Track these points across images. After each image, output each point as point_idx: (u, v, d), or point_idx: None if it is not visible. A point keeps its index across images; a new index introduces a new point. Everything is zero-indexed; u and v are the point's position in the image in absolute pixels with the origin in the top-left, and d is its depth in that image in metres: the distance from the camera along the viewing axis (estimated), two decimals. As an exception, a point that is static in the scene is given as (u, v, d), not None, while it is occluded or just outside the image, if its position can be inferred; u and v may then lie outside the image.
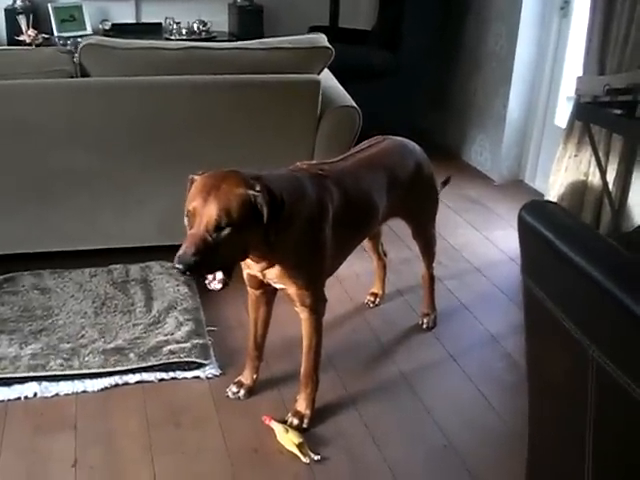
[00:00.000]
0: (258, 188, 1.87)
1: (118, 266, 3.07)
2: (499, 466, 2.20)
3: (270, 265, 2.09)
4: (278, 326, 2.56)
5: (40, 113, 2.80)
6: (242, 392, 2.43)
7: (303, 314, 2.22)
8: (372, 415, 2.38)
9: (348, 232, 2.30)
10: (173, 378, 2.49)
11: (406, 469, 2.18)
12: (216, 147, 3.01)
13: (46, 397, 2.38)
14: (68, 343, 2.55)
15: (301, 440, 2.20)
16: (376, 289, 3.05)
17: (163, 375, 2.48)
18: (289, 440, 2.21)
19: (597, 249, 0.97)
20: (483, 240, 3.69)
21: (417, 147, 2.64)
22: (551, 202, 1.19)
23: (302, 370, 2.31)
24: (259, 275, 2.17)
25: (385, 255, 3.04)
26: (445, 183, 2.97)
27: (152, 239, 3.15)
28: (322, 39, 3.13)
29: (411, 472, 2.18)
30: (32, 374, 2.39)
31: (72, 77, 2.83)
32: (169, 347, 2.53)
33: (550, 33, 4.10)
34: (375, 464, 2.19)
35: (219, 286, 1.95)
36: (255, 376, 2.46)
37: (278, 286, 2.19)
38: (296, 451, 2.18)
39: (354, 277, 3.19)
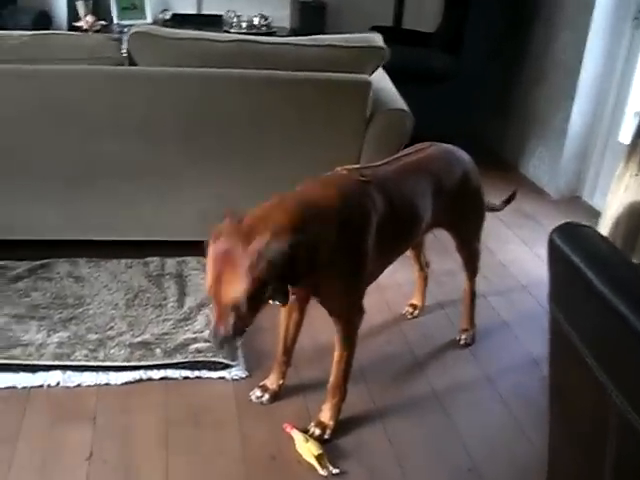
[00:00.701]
0: (272, 253, 1.74)
1: (155, 259, 3.04)
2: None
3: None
4: (310, 331, 2.51)
5: (85, 99, 2.79)
6: (266, 397, 2.36)
7: (338, 325, 2.14)
8: (397, 431, 2.29)
9: (390, 241, 2.20)
10: (198, 377, 2.44)
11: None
12: (261, 143, 2.95)
13: (68, 387, 2.35)
14: (96, 334, 2.52)
15: (321, 451, 2.13)
16: (416, 300, 2.95)
17: (188, 373, 2.43)
18: (308, 450, 2.13)
19: (627, 280, 0.86)
20: (533, 257, 3.54)
21: (466, 155, 2.53)
22: (587, 226, 1.09)
23: (331, 380, 2.22)
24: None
25: (427, 266, 2.94)
26: (509, 201, 2.86)
27: (191, 234, 3.06)
28: (377, 39, 3.03)
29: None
30: (57, 362, 2.37)
31: (119, 65, 2.80)
32: (196, 345, 2.48)
33: (620, 45, 3.92)
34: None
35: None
36: (281, 381, 2.39)
37: (313, 295, 2.13)
38: (314, 462, 2.10)
39: (395, 286, 3.09)
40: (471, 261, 2.69)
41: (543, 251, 3.54)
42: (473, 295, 2.76)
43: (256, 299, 1.79)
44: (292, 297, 2.21)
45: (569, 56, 4.10)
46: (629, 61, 3.90)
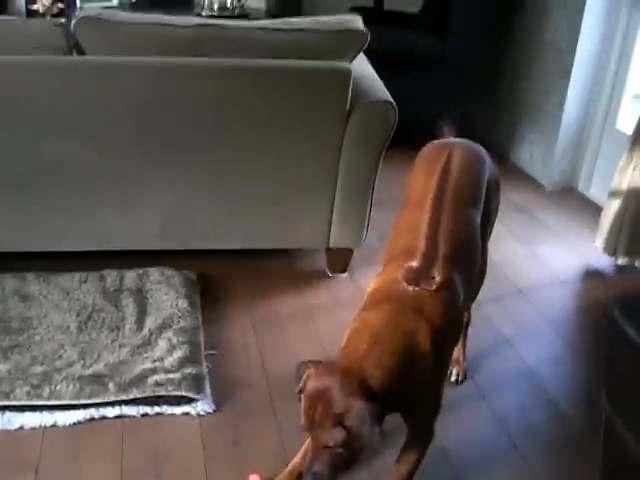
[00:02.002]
0: (353, 413, 1.52)
1: (112, 271, 2.71)
2: None
3: None
4: (288, 357, 2.20)
5: (27, 95, 2.45)
6: None
7: (412, 455, 1.83)
8: (381, 461, 2.00)
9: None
10: (158, 413, 2.14)
11: None
12: (229, 140, 2.63)
13: (8, 430, 2.05)
14: (41, 365, 2.21)
15: None
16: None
17: (147, 410, 2.13)
18: None
19: None
20: (529, 256, 3.26)
21: (483, 150, 2.18)
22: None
23: None
24: None
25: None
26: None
27: (152, 242, 2.79)
28: (356, 21, 2.71)
29: None
30: (-7, 403, 2.06)
31: (65, 54, 2.46)
32: (155, 377, 2.17)
33: (618, 24, 3.63)
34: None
35: None
36: None
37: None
38: None
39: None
40: (481, 272, 2.30)
41: (539, 249, 3.32)
42: (469, 321, 2.43)
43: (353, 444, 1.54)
44: None
45: (563, 36, 3.80)
46: (627, 40, 3.62)
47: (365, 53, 2.92)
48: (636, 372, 0.74)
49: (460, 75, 4.14)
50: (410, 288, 1.71)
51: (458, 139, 2.21)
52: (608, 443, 0.84)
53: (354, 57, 2.71)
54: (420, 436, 1.83)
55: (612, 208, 3.14)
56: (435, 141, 2.22)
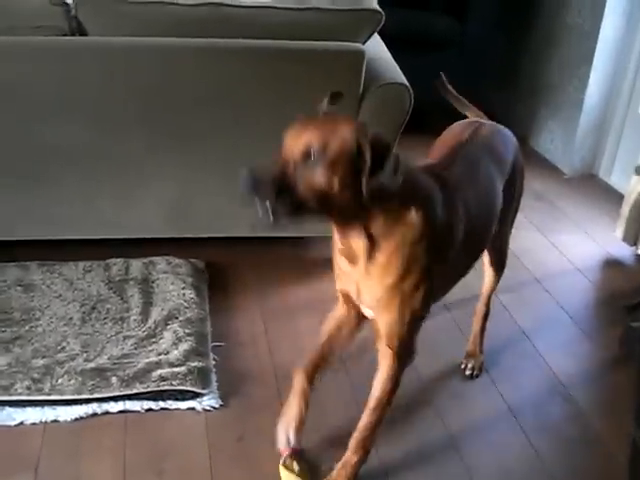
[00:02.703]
0: (372, 134, 1.51)
1: (117, 260, 2.63)
2: None
3: (366, 274, 1.66)
4: (298, 346, 2.13)
5: (25, 78, 2.36)
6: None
7: (385, 359, 1.75)
8: (396, 464, 1.93)
9: (464, 259, 1.86)
10: (163, 409, 2.06)
11: None
12: (235, 125, 2.55)
13: (9, 426, 1.98)
14: (43, 358, 2.14)
15: None
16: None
17: (151, 405, 2.05)
18: None
19: None
20: (547, 245, 3.16)
21: (510, 133, 2.13)
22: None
23: (358, 429, 1.80)
24: (353, 293, 1.75)
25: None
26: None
27: (158, 230, 2.71)
28: (371, 1, 2.61)
29: None
30: (-8, 398, 1.99)
31: (66, 35, 2.37)
32: (160, 372, 2.09)
33: (643, 4, 3.49)
34: None
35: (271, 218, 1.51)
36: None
37: (368, 313, 1.76)
38: None
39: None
40: (503, 258, 2.28)
41: (558, 238, 3.21)
42: (488, 312, 2.35)
43: (317, 174, 1.49)
44: (344, 308, 1.88)
45: (585, 18, 3.66)
46: (653, 23, 3.49)
47: (379, 34, 2.82)
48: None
49: (478, 59, 4.04)
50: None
51: (486, 121, 2.14)
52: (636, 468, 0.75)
53: (368, 38, 2.61)
54: (388, 363, 1.75)
55: (633, 196, 3.03)
56: (462, 121, 2.15)
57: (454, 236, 1.72)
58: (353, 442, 1.81)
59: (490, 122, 2.12)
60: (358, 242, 1.62)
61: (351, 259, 1.67)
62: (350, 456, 1.81)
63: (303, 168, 1.49)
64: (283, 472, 1.84)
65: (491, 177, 1.92)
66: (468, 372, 2.30)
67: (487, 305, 2.34)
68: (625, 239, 3.08)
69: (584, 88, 3.68)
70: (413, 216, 1.60)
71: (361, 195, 1.49)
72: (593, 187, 3.75)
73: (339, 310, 1.90)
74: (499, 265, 2.28)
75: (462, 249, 1.76)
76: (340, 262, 1.73)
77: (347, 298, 1.82)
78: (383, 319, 1.71)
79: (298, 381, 1.88)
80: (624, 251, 3.10)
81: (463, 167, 1.86)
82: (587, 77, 3.65)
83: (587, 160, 3.85)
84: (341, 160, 1.48)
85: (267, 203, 1.49)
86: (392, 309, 1.68)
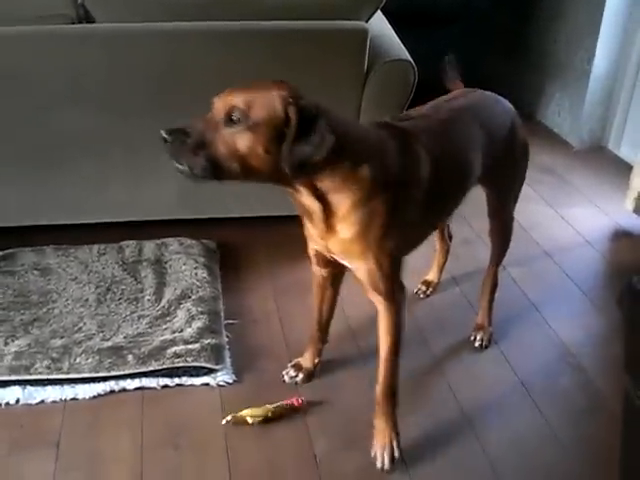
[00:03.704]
0: (303, 101, 1.51)
1: (131, 242, 2.68)
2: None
3: (329, 231, 1.68)
4: (297, 322, 2.20)
5: (36, 66, 2.41)
6: (300, 376, 2.13)
7: (379, 305, 1.79)
8: (410, 438, 1.96)
9: (435, 205, 1.84)
10: (178, 385, 2.12)
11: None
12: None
13: (30, 404, 2.04)
14: (61, 338, 2.20)
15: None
16: (431, 276, 2.60)
17: (167, 381, 2.11)
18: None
19: None
20: (556, 218, 3.17)
21: (511, 106, 2.15)
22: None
23: (379, 384, 1.85)
24: (323, 250, 1.79)
25: (450, 239, 2.59)
26: None
27: (170, 212, 2.76)
28: (373, -22, 2.63)
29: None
30: (14, 377, 2.05)
31: (74, 23, 2.41)
32: (174, 349, 2.14)
33: (648, -25, 3.48)
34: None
35: (185, 169, 1.53)
36: (317, 360, 2.15)
37: (345, 263, 1.78)
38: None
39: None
40: (504, 231, 2.28)
41: (567, 211, 3.22)
42: (496, 284, 2.37)
43: (239, 135, 1.50)
44: (323, 271, 1.97)
45: (591, -13, 3.65)
46: (658, -8, 3.47)
47: (382, 11, 2.84)
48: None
49: (483, 34, 4.02)
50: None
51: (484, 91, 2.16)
52: (628, 416, 0.79)
53: (371, 15, 2.62)
54: (383, 309, 1.79)
55: (642, 167, 3.03)
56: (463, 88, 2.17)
57: (415, 180, 1.71)
58: (380, 397, 1.86)
59: (486, 91, 2.12)
60: (310, 202, 1.63)
61: (309, 218, 1.69)
62: (383, 409, 1.87)
63: (225, 129, 1.49)
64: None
65: (468, 136, 1.93)
66: (477, 344, 2.33)
67: (493, 277, 2.36)
68: (635, 210, 3.09)
69: (591, 59, 3.67)
70: (362, 172, 1.59)
71: (284, 157, 1.48)
72: (602, 159, 3.75)
73: (314, 270, 1.99)
74: (503, 237, 2.29)
75: (429, 196, 1.74)
76: (305, 221, 1.77)
77: (319, 255, 1.87)
78: (360, 270, 1.73)
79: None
80: (634, 223, 3.11)
81: (432, 120, 1.87)
82: (594, 48, 3.63)
83: (595, 132, 3.85)
84: (264, 124, 1.48)
85: (183, 162, 1.51)
86: (365, 258, 1.70)
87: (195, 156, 1.50)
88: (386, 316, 1.79)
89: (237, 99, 1.50)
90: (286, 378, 2.13)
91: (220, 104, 1.52)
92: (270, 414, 1.98)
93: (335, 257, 1.78)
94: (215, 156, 1.50)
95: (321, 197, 1.61)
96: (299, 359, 2.16)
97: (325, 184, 1.59)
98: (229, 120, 1.49)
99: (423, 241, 1.95)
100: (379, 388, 1.86)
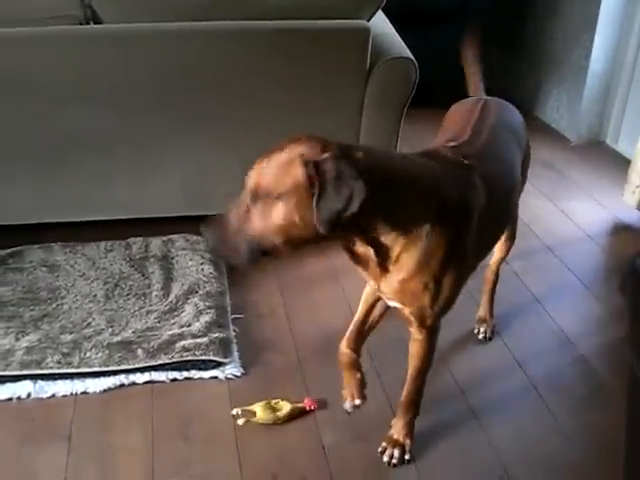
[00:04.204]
0: (324, 156, 1.41)
1: (137, 239, 2.72)
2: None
3: (383, 274, 1.61)
4: (315, 318, 2.24)
5: (44, 66, 2.45)
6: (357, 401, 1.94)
7: (418, 334, 1.77)
8: (416, 430, 1.98)
9: (489, 232, 1.82)
10: (187, 378, 2.15)
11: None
12: (248, 104, 2.62)
13: (41, 398, 2.07)
14: (70, 334, 2.23)
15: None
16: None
17: (176, 375, 2.14)
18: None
19: None
20: (556, 212, 3.21)
21: (516, 109, 2.16)
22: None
23: (404, 395, 1.88)
24: (373, 284, 1.73)
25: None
26: None
27: (176, 209, 2.80)
28: (374, -22, 2.66)
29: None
30: (25, 372, 2.08)
31: (81, 24, 2.45)
32: (183, 343, 2.18)
33: (647, -33, 3.51)
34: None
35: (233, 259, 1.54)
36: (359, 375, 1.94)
37: (395, 305, 1.71)
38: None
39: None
40: (512, 230, 2.28)
41: (566, 205, 3.26)
42: (497, 278, 2.40)
43: (271, 210, 1.45)
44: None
45: (588, -15, 3.69)
46: (655, -13, 3.51)
47: (383, 11, 2.87)
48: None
49: (481, 32, 4.05)
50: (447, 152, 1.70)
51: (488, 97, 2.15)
52: (632, 392, 0.83)
53: (372, 15, 2.66)
54: (423, 338, 1.77)
55: (639, 161, 3.07)
56: (466, 99, 2.15)
57: (473, 212, 1.64)
58: (403, 405, 1.90)
59: (493, 98, 2.11)
60: (363, 250, 1.57)
61: (364, 266, 1.63)
62: (403, 416, 1.91)
63: (257, 207, 1.45)
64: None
65: (512, 150, 1.93)
66: (481, 336, 2.37)
67: (496, 273, 2.39)
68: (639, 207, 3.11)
69: (588, 55, 3.71)
70: (415, 211, 1.54)
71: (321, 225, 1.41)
72: (600, 154, 3.79)
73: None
74: (509, 236, 2.29)
75: (486, 222, 1.68)
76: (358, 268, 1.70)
77: None
78: (412, 309, 1.68)
79: (345, 354, 1.92)
80: (633, 216, 3.14)
81: (478, 145, 1.80)
82: (591, 44, 3.67)
83: (593, 127, 3.89)
84: (290, 192, 1.41)
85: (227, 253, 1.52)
86: (419, 299, 1.64)
87: (237, 243, 1.48)
88: (422, 344, 1.79)
89: (259, 176, 1.45)
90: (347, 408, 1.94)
91: (248, 184, 1.47)
92: (279, 421, 2.00)
93: (382, 295, 1.73)
94: (255, 237, 1.47)
95: (375, 242, 1.54)
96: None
97: (377, 230, 1.52)
98: (258, 198, 1.45)
99: (476, 267, 1.86)
100: (403, 400, 1.89)
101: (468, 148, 1.76)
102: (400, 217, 1.52)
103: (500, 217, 1.90)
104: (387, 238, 1.53)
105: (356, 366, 1.92)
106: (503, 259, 2.38)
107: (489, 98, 2.11)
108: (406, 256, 1.56)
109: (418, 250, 1.56)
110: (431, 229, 1.55)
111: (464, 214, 1.62)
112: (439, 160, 1.65)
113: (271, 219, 1.44)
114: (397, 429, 1.92)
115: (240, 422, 1.97)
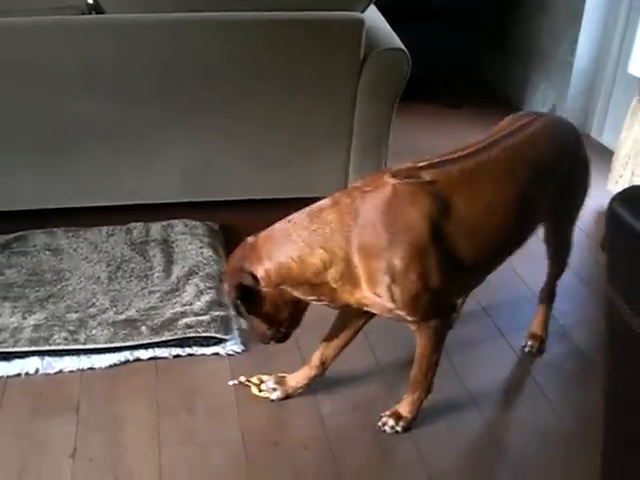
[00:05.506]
0: (245, 281, 1.78)
1: (138, 224, 2.79)
2: (549, 469, 1.93)
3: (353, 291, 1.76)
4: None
5: (48, 56, 2.52)
6: (277, 394, 2.11)
7: (414, 328, 1.84)
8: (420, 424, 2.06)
9: (470, 256, 1.80)
10: (190, 354, 2.23)
11: (442, 466, 1.92)
12: (245, 94, 2.70)
13: (49, 374, 2.15)
14: (76, 312, 2.31)
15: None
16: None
17: (178, 351, 2.22)
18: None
19: None
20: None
21: (571, 125, 2.14)
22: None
23: (412, 373, 1.94)
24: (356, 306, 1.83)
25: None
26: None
27: (176, 195, 2.88)
28: (367, -29, 2.75)
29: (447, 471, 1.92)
30: (33, 348, 2.16)
31: (84, 14, 2.52)
32: (185, 320, 2.26)
33: (629, -34, 3.62)
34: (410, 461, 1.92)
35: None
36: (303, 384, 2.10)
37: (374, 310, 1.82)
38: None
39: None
40: (563, 252, 2.27)
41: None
42: (553, 296, 2.35)
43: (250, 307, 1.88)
44: None
45: (573, -19, 3.80)
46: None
47: (375, 5, 2.96)
48: (633, 258, 0.81)
49: (471, 25, 4.15)
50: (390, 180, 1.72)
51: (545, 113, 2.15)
52: (611, 320, 0.93)
53: (366, 7, 2.75)
54: (418, 320, 1.81)
55: (623, 152, 3.18)
56: (519, 113, 2.08)
57: (425, 231, 1.69)
58: (409, 383, 1.96)
59: (550, 115, 2.08)
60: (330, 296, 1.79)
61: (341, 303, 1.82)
62: (410, 393, 1.97)
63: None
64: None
65: (517, 177, 1.86)
66: (528, 349, 2.32)
67: (550, 289, 2.35)
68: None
69: (574, 50, 3.81)
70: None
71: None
72: (586, 146, 3.87)
73: None
74: (558, 260, 2.28)
75: (454, 234, 1.73)
76: None
77: None
78: (400, 315, 1.76)
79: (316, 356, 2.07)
80: (616, 205, 3.24)
81: (472, 163, 1.80)
82: (576, 39, 3.78)
83: (579, 120, 3.98)
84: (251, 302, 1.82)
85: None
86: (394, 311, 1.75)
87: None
88: (419, 334, 1.85)
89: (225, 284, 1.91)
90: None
91: None
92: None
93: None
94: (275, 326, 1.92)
95: (319, 292, 1.79)
96: (287, 377, 2.12)
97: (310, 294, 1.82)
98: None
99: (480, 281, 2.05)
100: (411, 376, 1.94)
101: (442, 168, 1.77)
102: (309, 284, 1.78)
103: (489, 231, 1.85)
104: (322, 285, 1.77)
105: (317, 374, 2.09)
106: (553, 280, 2.34)
107: (542, 114, 2.06)
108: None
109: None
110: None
111: (415, 234, 1.69)
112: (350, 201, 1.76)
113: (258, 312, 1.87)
114: (403, 404, 1.99)
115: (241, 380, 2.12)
